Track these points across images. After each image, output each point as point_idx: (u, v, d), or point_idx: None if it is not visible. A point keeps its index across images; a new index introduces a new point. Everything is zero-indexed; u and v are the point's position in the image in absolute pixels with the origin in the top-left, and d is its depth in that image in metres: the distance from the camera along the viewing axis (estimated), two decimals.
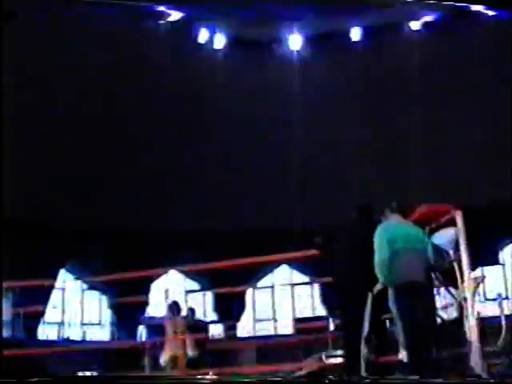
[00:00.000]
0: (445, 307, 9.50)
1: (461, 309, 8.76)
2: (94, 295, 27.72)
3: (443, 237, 8.11)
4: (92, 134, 25.16)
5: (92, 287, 27.56)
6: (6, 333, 24.46)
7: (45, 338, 24.71)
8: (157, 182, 26.27)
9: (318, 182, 26.21)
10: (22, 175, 23.85)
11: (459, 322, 8.99)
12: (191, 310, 14.27)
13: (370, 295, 7.75)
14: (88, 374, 19.10)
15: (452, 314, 9.72)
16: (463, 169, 25.23)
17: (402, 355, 7.44)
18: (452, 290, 9.52)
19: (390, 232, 7.71)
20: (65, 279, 27.10)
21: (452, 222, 7.79)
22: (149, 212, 26.19)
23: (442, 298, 10.29)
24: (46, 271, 22.24)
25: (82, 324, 27.37)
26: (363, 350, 7.66)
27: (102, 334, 27.68)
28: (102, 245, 25.94)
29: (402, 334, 7.46)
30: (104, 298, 26.98)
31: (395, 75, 25.10)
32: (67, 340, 24.91)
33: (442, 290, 9.91)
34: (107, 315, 28.05)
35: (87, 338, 26.82)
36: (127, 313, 25.38)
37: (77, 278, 27.01)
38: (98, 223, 26.00)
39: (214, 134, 26.23)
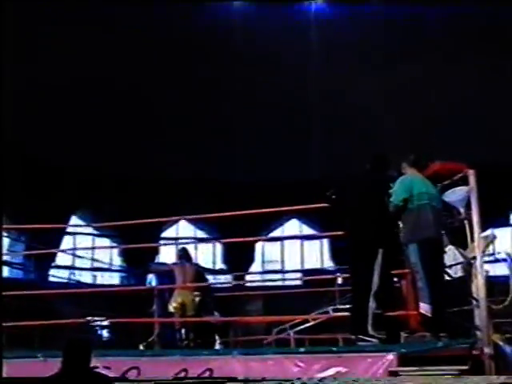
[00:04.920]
0: (451, 266, 9.50)
1: (468, 268, 8.80)
2: (105, 241, 27.95)
3: (455, 195, 8.12)
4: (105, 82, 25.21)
5: (102, 233, 27.79)
6: (19, 274, 24.88)
7: (56, 281, 24.99)
8: (169, 130, 26.23)
9: (338, 132, 26.16)
10: (36, 115, 23.99)
11: (465, 280, 9.06)
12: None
13: (380, 250, 7.77)
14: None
15: (457, 272, 9.72)
16: (479, 128, 25.16)
17: (425, 310, 7.49)
18: (459, 249, 9.59)
19: (416, 186, 7.73)
20: (76, 225, 27.35)
21: (464, 181, 7.77)
22: (161, 160, 26.22)
23: (448, 256, 10.25)
24: (57, 217, 22.42)
25: (93, 269, 27.67)
26: (372, 304, 7.70)
27: (111, 279, 28.00)
28: (113, 192, 26.06)
29: (426, 288, 7.51)
30: (114, 245, 27.17)
31: None
32: (78, 283, 25.17)
33: (450, 248, 9.91)
34: (117, 261, 28.34)
35: (97, 282, 27.14)
36: (137, 259, 25.65)
37: (88, 225, 27.22)
38: (111, 170, 26.11)
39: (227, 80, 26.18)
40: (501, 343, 7.48)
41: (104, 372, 6.69)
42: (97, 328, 21.43)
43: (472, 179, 7.54)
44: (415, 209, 7.74)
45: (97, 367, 6.80)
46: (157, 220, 14.52)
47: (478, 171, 7.57)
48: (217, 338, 14.72)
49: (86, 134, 24.99)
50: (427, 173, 8.21)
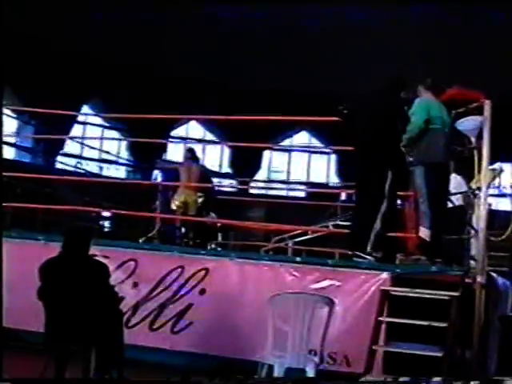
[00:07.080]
0: (454, 194, 9.50)
1: (470, 198, 8.82)
2: (114, 134, 27.96)
3: (468, 123, 8.06)
4: None
5: (112, 126, 27.78)
6: (26, 158, 25.01)
7: (62, 168, 25.08)
8: (185, 28, 25.80)
9: (353, 46, 25.70)
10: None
11: (465, 209, 9.11)
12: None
13: (390, 172, 7.75)
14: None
15: (458, 200, 9.74)
16: (502, 58, 24.73)
17: (424, 234, 7.54)
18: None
19: (431, 109, 7.66)
20: (86, 113, 27.30)
21: (479, 111, 7.68)
22: (178, 57, 25.91)
23: (451, 184, 10.25)
24: (69, 105, 22.29)
25: (100, 160, 27.78)
26: (377, 225, 7.73)
27: (117, 171, 28.14)
28: (127, 85, 25.87)
29: (429, 212, 7.53)
30: (123, 138, 27.16)
31: None
32: (84, 172, 25.28)
33: (455, 176, 9.89)
34: (125, 155, 28.41)
35: (103, 174, 27.27)
36: (144, 154, 25.74)
37: (97, 115, 27.11)
38: (127, 61, 25.85)
39: None
40: (494, 274, 7.57)
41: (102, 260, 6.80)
42: (99, 218, 21.61)
43: (487, 110, 7.45)
44: (429, 132, 7.72)
45: (95, 255, 6.94)
46: (168, 117, 14.47)
47: (495, 103, 7.48)
48: (219, 239, 14.91)
49: (104, 20, 24.51)
50: (443, 98, 8.13)
